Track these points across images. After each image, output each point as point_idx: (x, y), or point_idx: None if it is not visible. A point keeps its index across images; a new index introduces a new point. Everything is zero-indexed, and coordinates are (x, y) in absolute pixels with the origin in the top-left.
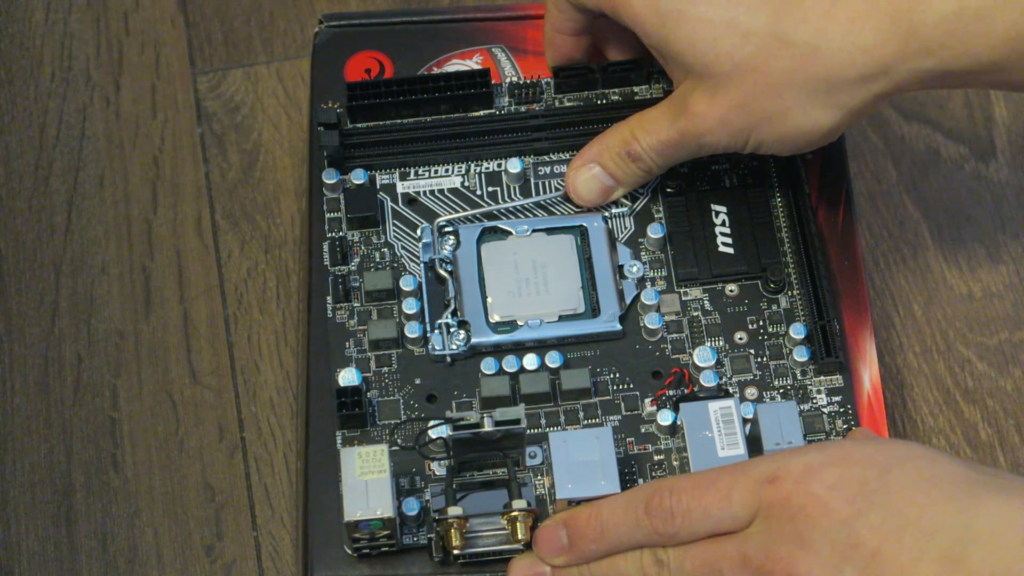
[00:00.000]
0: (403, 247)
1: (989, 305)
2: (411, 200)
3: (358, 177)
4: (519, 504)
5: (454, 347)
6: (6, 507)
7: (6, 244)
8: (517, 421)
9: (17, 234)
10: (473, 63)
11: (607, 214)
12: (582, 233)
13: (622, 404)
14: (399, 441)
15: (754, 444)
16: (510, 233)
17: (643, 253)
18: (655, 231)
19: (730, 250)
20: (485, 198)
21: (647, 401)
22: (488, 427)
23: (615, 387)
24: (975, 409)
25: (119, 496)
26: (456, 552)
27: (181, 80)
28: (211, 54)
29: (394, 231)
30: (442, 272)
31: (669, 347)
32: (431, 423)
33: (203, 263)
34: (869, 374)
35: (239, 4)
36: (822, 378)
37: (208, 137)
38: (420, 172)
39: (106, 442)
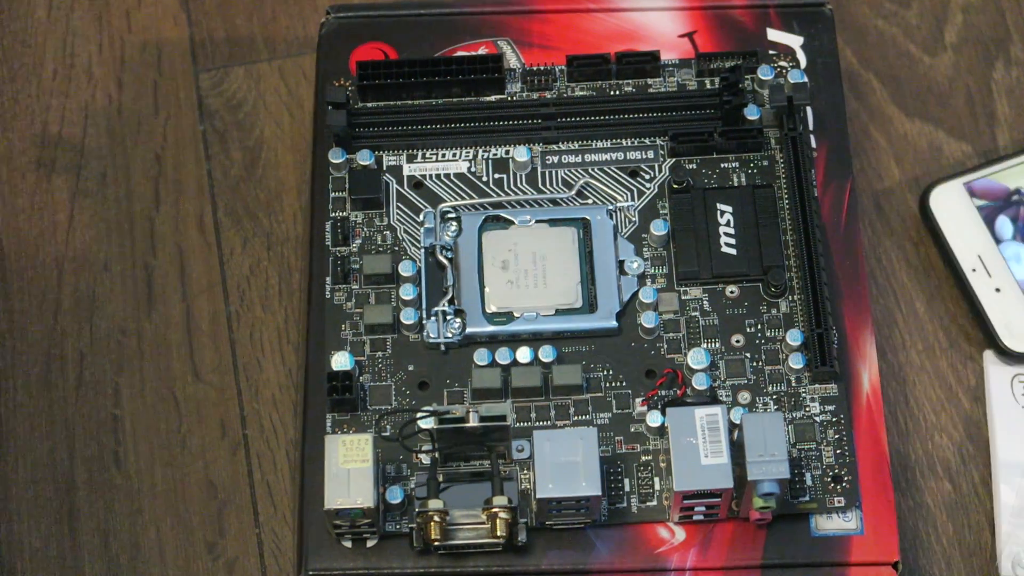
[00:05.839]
0: (405, 231)
1: None
2: (417, 184)
3: (364, 158)
4: (500, 501)
5: (449, 335)
6: (8, 504)
7: (9, 241)
8: (502, 418)
9: (19, 231)
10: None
11: (612, 207)
12: (585, 226)
13: (613, 402)
14: (387, 428)
15: (740, 450)
16: (512, 223)
17: (645, 249)
18: (658, 227)
19: (733, 251)
20: (491, 185)
21: (638, 401)
22: (473, 423)
23: (607, 384)
24: (977, 407)
25: (121, 493)
26: (436, 544)
27: (183, 77)
28: (213, 52)
29: (397, 214)
30: (442, 259)
31: (665, 346)
32: (418, 415)
33: (205, 260)
34: (869, 375)
35: (241, 2)
36: (816, 386)
37: (210, 134)
38: (427, 155)
39: (108, 439)
